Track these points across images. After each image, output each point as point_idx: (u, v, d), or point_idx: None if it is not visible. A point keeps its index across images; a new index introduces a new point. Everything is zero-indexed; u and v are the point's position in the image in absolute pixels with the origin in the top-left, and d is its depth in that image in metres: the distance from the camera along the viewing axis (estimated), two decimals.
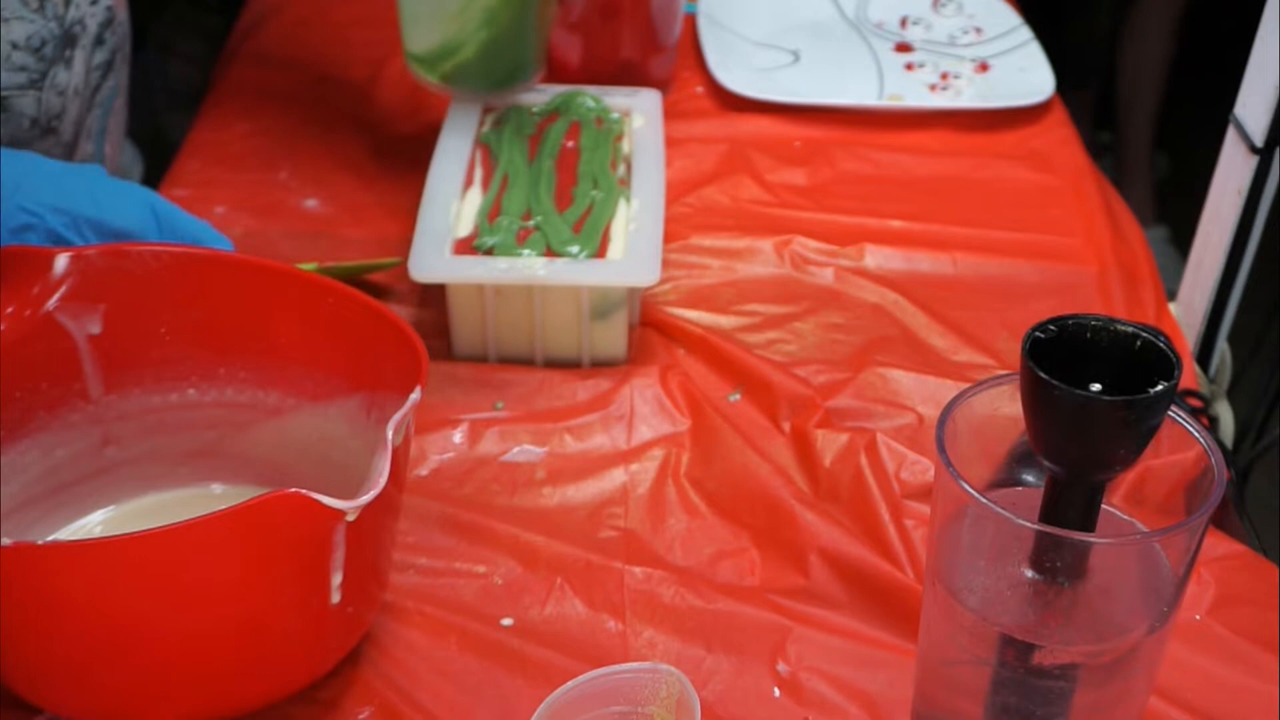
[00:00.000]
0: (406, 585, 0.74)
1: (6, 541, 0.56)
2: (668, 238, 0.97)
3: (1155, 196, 2.26)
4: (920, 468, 0.80)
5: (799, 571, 0.76)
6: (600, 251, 0.87)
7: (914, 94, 1.18)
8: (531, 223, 0.89)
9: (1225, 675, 0.71)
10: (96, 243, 0.76)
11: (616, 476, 0.82)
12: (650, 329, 0.93)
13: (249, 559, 0.60)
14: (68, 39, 0.91)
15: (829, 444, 0.82)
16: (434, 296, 0.92)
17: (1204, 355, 0.99)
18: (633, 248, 0.88)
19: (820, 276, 0.99)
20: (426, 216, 0.89)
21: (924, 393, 0.87)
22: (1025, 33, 1.25)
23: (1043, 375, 0.50)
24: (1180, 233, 2.07)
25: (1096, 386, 0.50)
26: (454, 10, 1.05)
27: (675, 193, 1.04)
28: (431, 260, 0.86)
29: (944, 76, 1.21)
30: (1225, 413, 0.94)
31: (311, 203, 1.04)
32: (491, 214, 0.90)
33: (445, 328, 0.89)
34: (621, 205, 0.91)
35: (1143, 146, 2.26)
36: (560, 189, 0.92)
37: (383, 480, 0.60)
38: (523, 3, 1.09)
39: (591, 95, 1.01)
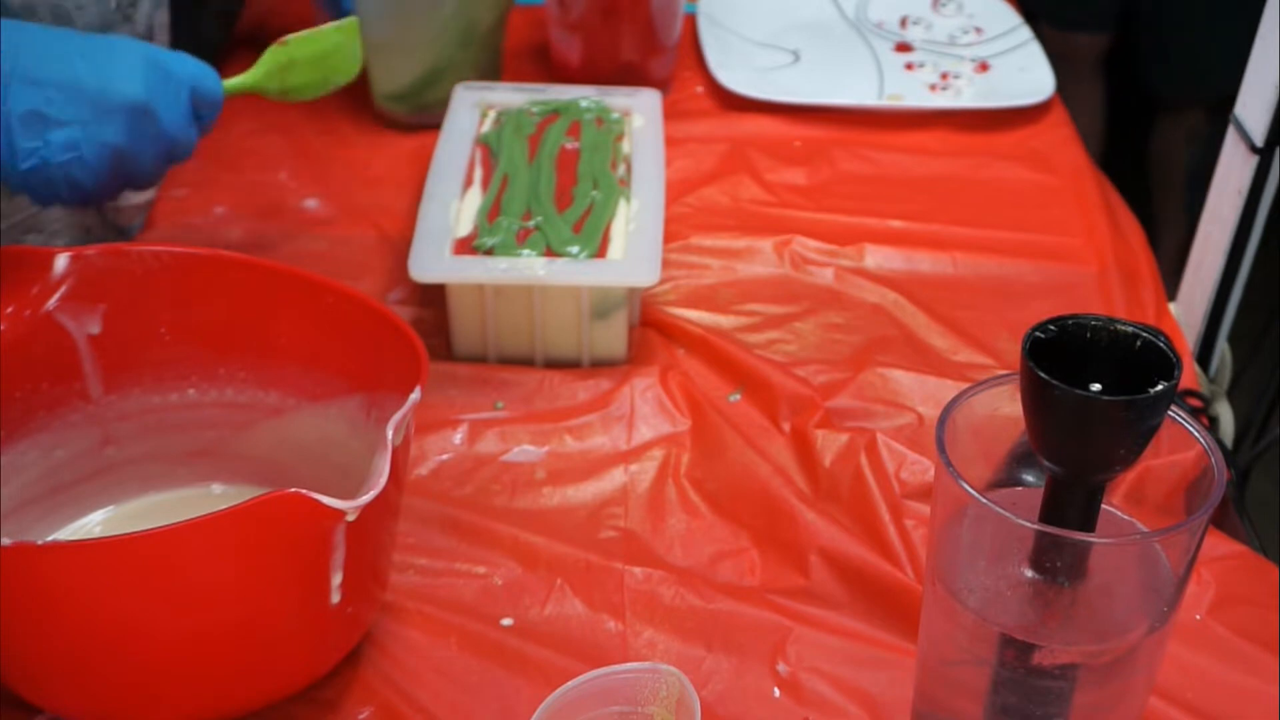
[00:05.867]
0: (406, 585, 0.74)
1: (6, 541, 0.56)
2: (668, 238, 0.97)
3: None
4: (920, 468, 0.80)
5: (799, 571, 0.76)
6: (600, 251, 0.87)
7: (914, 94, 1.19)
8: (531, 223, 0.89)
9: (1225, 675, 0.71)
10: (95, 117, 0.75)
11: (616, 476, 0.82)
12: (650, 329, 0.93)
13: (249, 559, 0.60)
14: None
15: (829, 444, 0.82)
16: (434, 296, 0.92)
17: (1204, 355, 0.99)
18: (633, 248, 0.88)
19: (820, 276, 0.99)
20: (426, 216, 0.89)
21: (924, 393, 0.87)
22: (1025, 32, 1.25)
23: (1043, 375, 0.50)
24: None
25: (1096, 386, 0.50)
26: (430, 37, 1.07)
27: (675, 193, 1.04)
28: (431, 260, 0.86)
29: (944, 76, 1.21)
30: (1225, 413, 0.94)
31: (311, 203, 1.04)
32: (491, 214, 0.90)
33: (445, 328, 0.89)
34: (621, 205, 0.91)
35: None
36: (560, 189, 0.92)
37: (383, 480, 0.60)
38: (496, 2, 1.10)
39: (591, 95, 1.01)
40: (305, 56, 0.90)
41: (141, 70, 0.78)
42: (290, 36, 0.90)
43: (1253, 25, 0.90)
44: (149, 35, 1.00)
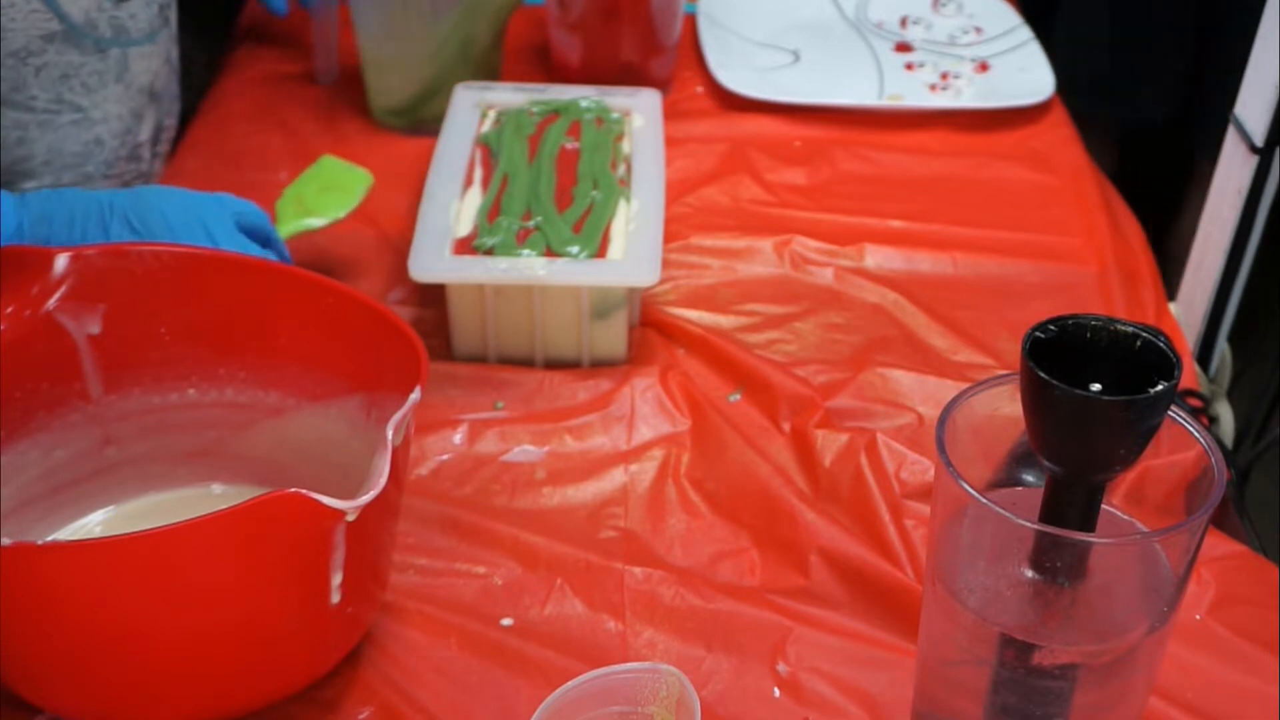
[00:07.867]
0: (406, 585, 0.74)
1: (6, 541, 0.56)
2: (668, 238, 0.97)
3: None
4: (920, 468, 0.80)
5: (799, 571, 0.76)
6: (600, 251, 0.87)
7: (914, 94, 1.19)
8: (531, 223, 0.89)
9: (1225, 675, 0.71)
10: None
11: (616, 476, 0.82)
12: (650, 329, 0.93)
13: (249, 559, 0.60)
14: None
15: (829, 444, 0.82)
16: (434, 296, 0.92)
17: (1204, 355, 0.99)
18: (633, 248, 0.88)
19: (820, 276, 0.99)
20: (426, 216, 0.89)
21: (924, 393, 0.87)
22: (1025, 33, 1.26)
23: (1043, 375, 0.50)
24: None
25: (1096, 386, 0.50)
26: (427, 53, 1.07)
27: (675, 193, 1.04)
28: (431, 260, 0.86)
29: (944, 76, 1.21)
30: (1225, 413, 0.94)
31: None
32: (491, 214, 0.90)
33: (445, 328, 0.89)
34: (621, 205, 0.91)
35: None
36: (560, 189, 0.92)
37: (383, 480, 0.60)
38: (494, 17, 1.11)
39: (591, 95, 1.01)
40: (310, 190, 0.94)
41: (180, 207, 0.82)
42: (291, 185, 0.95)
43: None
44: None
